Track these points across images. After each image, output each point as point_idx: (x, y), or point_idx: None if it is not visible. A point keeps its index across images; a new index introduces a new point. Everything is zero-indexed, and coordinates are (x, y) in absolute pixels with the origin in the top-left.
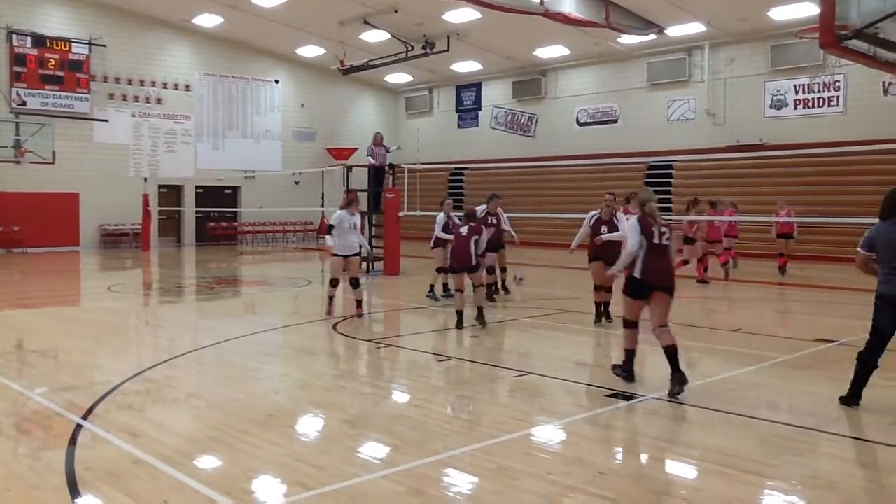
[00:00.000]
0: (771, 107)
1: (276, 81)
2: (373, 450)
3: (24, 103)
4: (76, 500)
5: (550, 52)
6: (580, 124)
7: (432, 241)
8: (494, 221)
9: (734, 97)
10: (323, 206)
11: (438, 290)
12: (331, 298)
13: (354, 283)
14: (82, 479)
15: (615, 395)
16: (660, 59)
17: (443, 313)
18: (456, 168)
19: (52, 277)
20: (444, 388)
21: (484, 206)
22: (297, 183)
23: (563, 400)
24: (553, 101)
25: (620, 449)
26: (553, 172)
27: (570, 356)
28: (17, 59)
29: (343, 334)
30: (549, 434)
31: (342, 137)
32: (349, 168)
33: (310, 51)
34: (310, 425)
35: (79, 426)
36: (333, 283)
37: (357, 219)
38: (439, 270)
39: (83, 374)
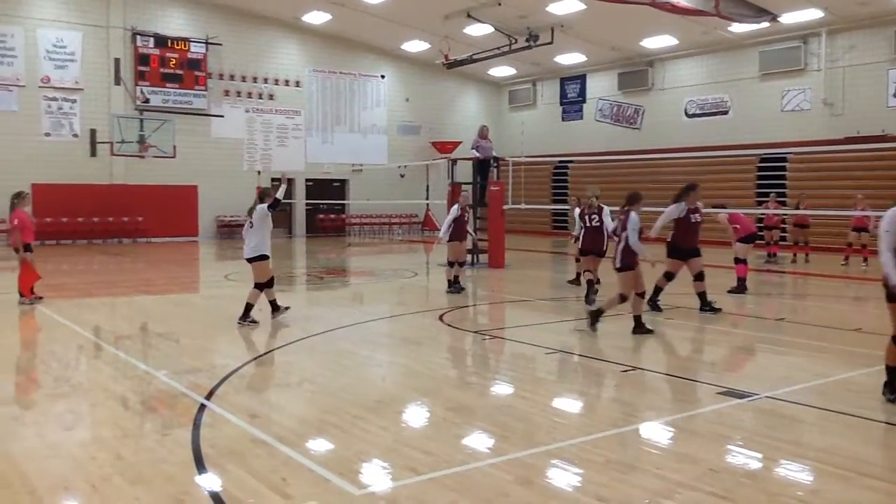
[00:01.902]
0: (894, 96)
1: (382, 76)
2: (480, 438)
3: (147, 101)
4: (202, 475)
5: (657, 42)
6: (688, 116)
7: (445, 233)
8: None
9: (854, 86)
10: (427, 199)
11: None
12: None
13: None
14: (207, 455)
15: (727, 393)
16: (773, 47)
17: (552, 307)
18: (560, 161)
19: (174, 266)
20: (549, 381)
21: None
22: (402, 176)
23: (671, 396)
24: (660, 92)
25: (733, 447)
26: (659, 165)
27: (678, 352)
28: (141, 58)
29: (448, 325)
30: (657, 429)
31: (446, 131)
32: (453, 161)
33: (414, 46)
34: (417, 412)
35: (202, 406)
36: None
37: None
38: (451, 264)
39: (204, 358)
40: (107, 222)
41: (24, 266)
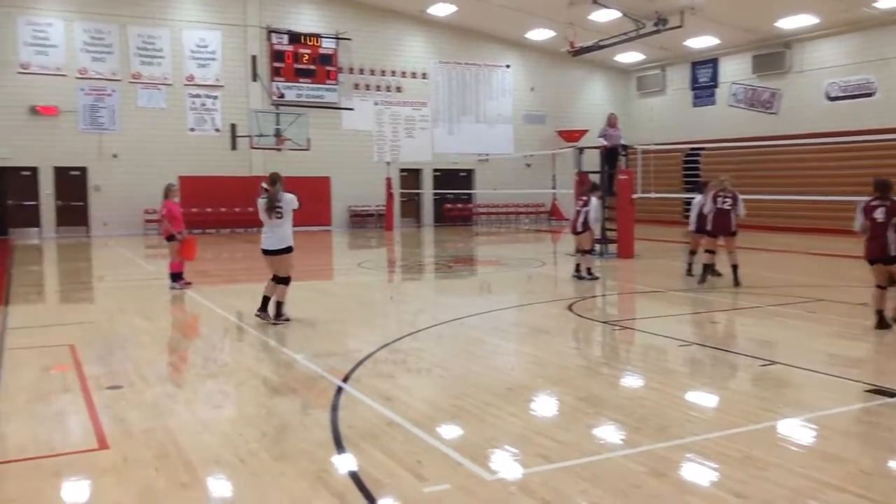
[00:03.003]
0: None
1: (507, 66)
2: (611, 429)
3: (282, 95)
4: (340, 455)
5: (795, 21)
6: (830, 99)
7: (582, 225)
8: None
9: None
10: (554, 188)
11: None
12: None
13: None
14: (345, 436)
15: (878, 391)
16: None
17: (683, 298)
18: (692, 149)
19: (309, 254)
20: (682, 373)
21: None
22: (528, 165)
23: (814, 392)
24: (798, 74)
25: (887, 449)
26: (798, 151)
27: (822, 347)
28: (276, 55)
29: (578, 315)
30: (798, 427)
31: (572, 119)
32: (580, 150)
33: (539, 34)
34: (548, 401)
35: (339, 389)
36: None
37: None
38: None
39: (340, 342)
40: (247, 212)
41: (184, 247)
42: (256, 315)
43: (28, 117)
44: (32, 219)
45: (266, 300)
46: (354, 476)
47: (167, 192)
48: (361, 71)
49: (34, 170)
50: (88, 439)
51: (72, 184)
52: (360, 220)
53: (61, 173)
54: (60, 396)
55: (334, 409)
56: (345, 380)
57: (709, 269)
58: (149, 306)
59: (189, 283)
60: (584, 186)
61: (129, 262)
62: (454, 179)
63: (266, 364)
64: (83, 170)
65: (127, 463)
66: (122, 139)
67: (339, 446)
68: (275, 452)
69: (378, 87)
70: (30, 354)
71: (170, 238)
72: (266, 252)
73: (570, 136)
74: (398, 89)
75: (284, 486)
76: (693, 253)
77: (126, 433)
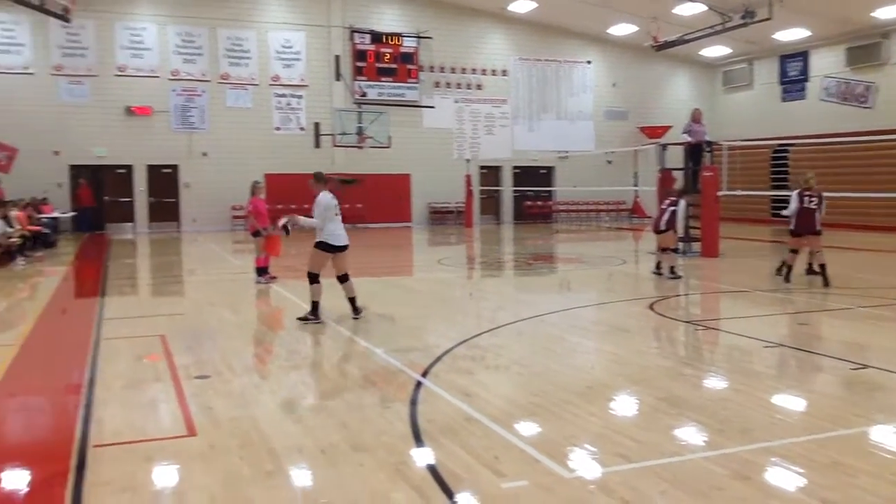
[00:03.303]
0: None
1: (588, 62)
2: (693, 430)
3: (364, 94)
4: (419, 448)
5: (893, 11)
6: None
7: (666, 223)
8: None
9: None
10: (636, 185)
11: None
12: None
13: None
14: (424, 430)
15: None
16: None
17: (770, 298)
18: (780, 145)
19: (390, 250)
20: (768, 375)
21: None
22: (609, 162)
23: None
24: None
25: None
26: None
27: None
28: (359, 54)
29: (659, 314)
30: (892, 434)
31: (655, 115)
32: (663, 146)
33: (621, 29)
34: (628, 400)
35: (418, 383)
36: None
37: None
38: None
39: (419, 337)
40: None
41: (269, 242)
42: (305, 320)
43: (124, 118)
44: (127, 214)
45: (317, 304)
46: (432, 469)
47: (253, 189)
48: (442, 69)
49: (129, 168)
50: (178, 426)
51: (164, 181)
52: (440, 216)
53: (154, 171)
54: (152, 385)
55: (413, 403)
56: (424, 374)
57: (790, 268)
58: (235, 299)
59: (274, 278)
60: (671, 186)
61: (217, 257)
62: (534, 176)
63: (347, 357)
64: (174, 167)
65: (213, 450)
66: (211, 138)
67: (418, 440)
68: (354, 444)
69: (458, 85)
70: (124, 344)
71: (255, 234)
72: (345, 248)
73: (653, 132)
74: (478, 87)
75: (364, 478)
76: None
77: (213, 421)
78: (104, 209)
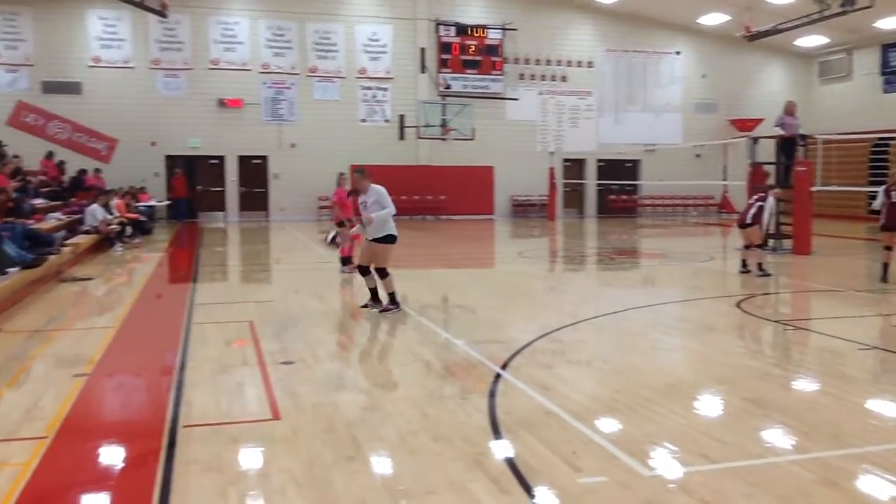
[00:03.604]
0: None
1: (677, 53)
2: (780, 433)
3: (448, 87)
4: (497, 440)
5: None
6: None
7: (752, 217)
8: None
9: None
10: (725, 179)
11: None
12: None
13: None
14: (502, 422)
15: None
16: None
17: (867, 298)
18: (880, 139)
19: (472, 242)
20: (862, 379)
21: None
22: (698, 156)
23: None
24: None
25: None
26: None
27: None
28: (444, 47)
29: (747, 312)
30: None
31: (746, 108)
32: (755, 140)
33: (712, 18)
34: (712, 400)
35: (497, 375)
36: None
37: None
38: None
39: (499, 330)
40: (413, 200)
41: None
42: (386, 311)
43: (217, 110)
44: (219, 204)
45: (395, 293)
46: (510, 462)
47: (339, 181)
48: (527, 61)
49: (221, 158)
50: (263, 410)
51: (254, 172)
52: (523, 209)
53: (244, 162)
54: (240, 369)
55: (492, 395)
56: (503, 367)
57: (885, 266)
58: (320, 288)
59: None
60: (762, 181)
61: (304, 246)
62: (619, 170)
63: (428, 347)
64: (264, 158)
65: (297, 434)
66: (299, 130)
67: (496, 432)
68: (434, 433)
69: (543, 77)
70: (214, 329)
71: (340, 224)
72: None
73: (744, 125)
74: (563, 78)
75: (442, 467)
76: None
77: (297, 406)
78: (197, 198)
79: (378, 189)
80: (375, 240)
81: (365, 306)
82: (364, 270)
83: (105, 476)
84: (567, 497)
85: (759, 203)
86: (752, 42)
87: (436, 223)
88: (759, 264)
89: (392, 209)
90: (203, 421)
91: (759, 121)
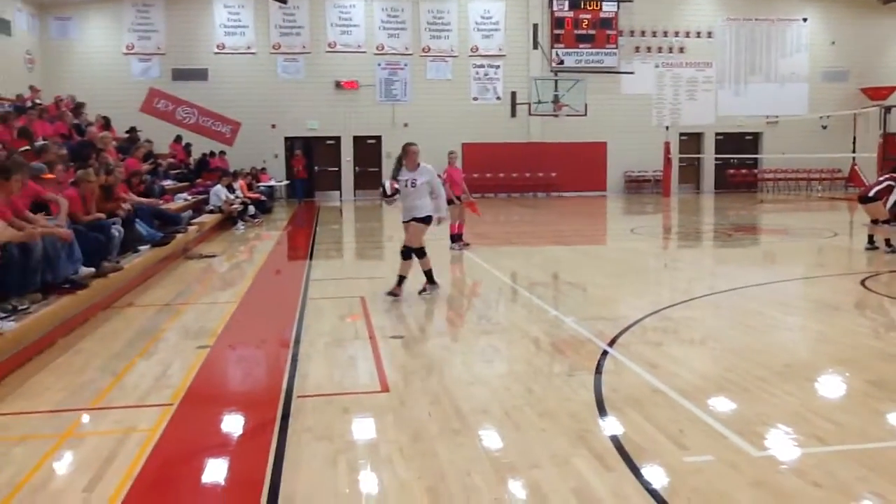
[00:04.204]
0: None
1: (804, 20)
2: None
3: (561, 62)
4: (603, 417)
5: None
6: None
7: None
8: None
9: None
10: (854, 151)
11: None
12: None
13: None
14: (608, 399)
15: None
16: None
17: None
18: None
19: (583, 218)
20: None
21: None
22: (824, 127)
23: None
24: None
25: None
26: None
27: None
28: (557, 22)
29: (872, 291)
30: None
31: (880, 76)
32: (887, 109)
33: None
34: (830, 381)
35: (605, 352)
36: None
37: None
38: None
39: (608, 307)
40: (524, 177)
41: (470, 206)
42: (424, 290)
43: (333, 92)
44: (335, 183)
45: (431, 271)
46: (615, 439)
47: (450, 159)
48: (643, 33)
49: (337, 139)
50: (373, 382)
51: (368, 151)
52: (637, 185)
53: (359, 142)
54: (352, 343)
55: (599, 371)
56: (611, 344)
57: None
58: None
59: (468, 245)
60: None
61: None
62: (739, 143)
63: (536, 324)
64: (378, 138)
65: (404, 406)
66: (412, 109)
67: (602, 409)
68: (539, 409)
69: (660, 49)
70: (328, 304)
71: (449, 202)
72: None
73: (877, 93)
74: (681, 50)
75: (546, 441)
76: None
77: (405, 380)
78: (314, 178)
79: (429, 169)
80: (415, 219)
81: (423, 290)
82: (407, 254)
83: (225, 442)
84: (673, 475)
85: (891, 182)
86: (886, 5)
87: (547, 200)
88: (888, 240)
89: (445, 192)
90: (316, 391)
91: (893, 89)
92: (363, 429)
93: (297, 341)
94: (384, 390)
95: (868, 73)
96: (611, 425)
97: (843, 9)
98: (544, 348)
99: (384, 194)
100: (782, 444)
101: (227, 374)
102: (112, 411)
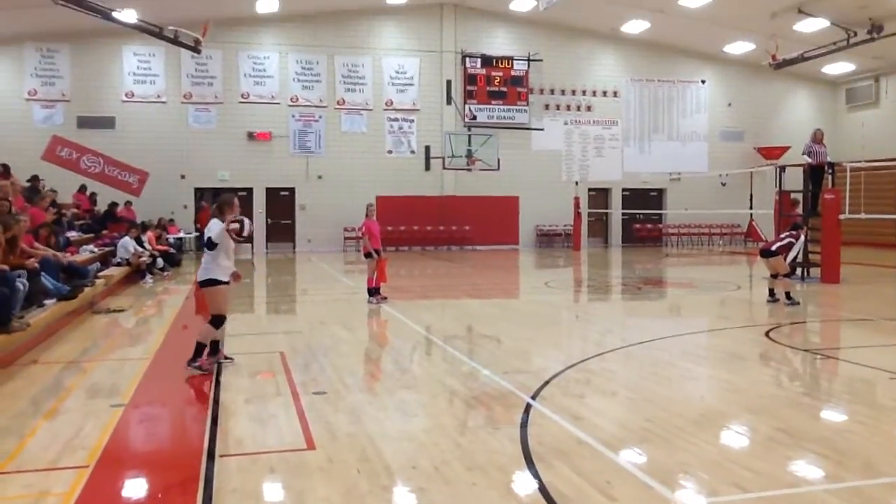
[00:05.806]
0: None
1: (703, 81)
2: (812, 462)
3: (474, 117)
4: (530, 470)
5: None
6: None
7: (778, 248)
8: None
9: None
10: (751, 208)
11: None
12: None
13: None
14: (535, 452)
15: None
16: None
17: (893, 326)
18: None
19: (497, 272)
20: (894, 408)
21: None
22: (723, 185)
23: None
24: None
25: None
26: None
27: None
28: (469, 78)
29: (776, 341)
30: None
31: (773, 136)
32: (782, 168)
33: (738, 47)
34: (743, 429)
35: (528, 405)
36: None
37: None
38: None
39: (526, 360)
40: (438, 231)
41: (380, 269)
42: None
43: (246, 142)
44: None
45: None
46: (544, 491)
47: (367, 212)
48: (552, 91)
49: (249, 190)
50: (297, 440)
51: (281, 203)
52: (548, 239)
53: (272, 194)
54: (273, 399)
55: (524, 424)
56: (533, 397)
57: None
58: (348, 318)
59: (385, 298)
60: (790, 210)
61: (330, 277)
62: (644, 199)
63: (456, 377)
64: (291, 190)
65: (332, 464)
66: (326, 161)
67: (529, 461)
68: (467, 463)
69: (568, 107)
70: (246, 359)
71: (367, 255)
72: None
73: (770, 152)
74: (588, 108)
75: (476, 496)
76: None
77: (331, 436)
78: None
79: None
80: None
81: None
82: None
83: None
84: None
85: (791, 239)
86: (777, 70)
87: (461, 253)
88: (788, 293)
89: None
90: (239, 450)
91: (785, 148)
92: (292, 488)
93: (217, 399)
94: (310, 447)
95: (762, 133)
96: (539, 478)
97: (738, 72)
98: (467, 401)
99: (240, 232)
100: (706, 493)
101: (146, 433)
102: (21, 475)
